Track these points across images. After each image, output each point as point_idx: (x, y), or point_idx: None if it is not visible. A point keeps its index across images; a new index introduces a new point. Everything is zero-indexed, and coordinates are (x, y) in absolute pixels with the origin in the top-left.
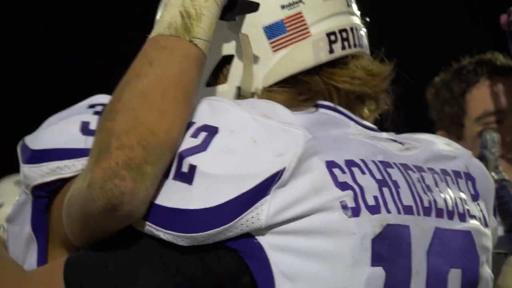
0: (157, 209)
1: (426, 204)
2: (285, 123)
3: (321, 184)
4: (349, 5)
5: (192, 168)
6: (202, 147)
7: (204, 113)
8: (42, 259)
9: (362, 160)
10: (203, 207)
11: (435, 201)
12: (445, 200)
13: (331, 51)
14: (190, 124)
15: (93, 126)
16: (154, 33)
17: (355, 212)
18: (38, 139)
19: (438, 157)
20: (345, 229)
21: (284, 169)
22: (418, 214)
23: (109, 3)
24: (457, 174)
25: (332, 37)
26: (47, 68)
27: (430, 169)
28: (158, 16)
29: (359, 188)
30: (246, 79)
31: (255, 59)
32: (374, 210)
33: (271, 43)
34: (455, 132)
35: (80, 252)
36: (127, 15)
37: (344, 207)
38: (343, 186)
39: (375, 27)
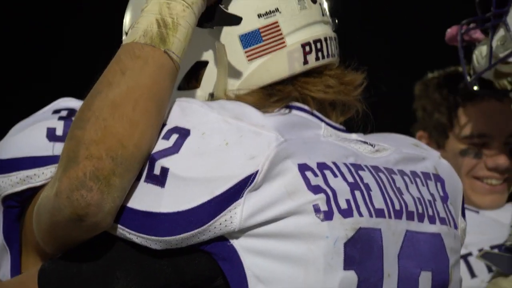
0: (129, 212)
1: (397, 207)
2: (256, 125)
3: (293, 187)
4: (323, 14)
5: (164, 170)
6: (174, 150)
7: (175, 115)
8: (16, 268)
9: (334, 163)
10: (175, 210)
11: (405, 203)
12: (415, 203)
13: (306, 62)
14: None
15: (59, 131)
16: (128, 39)
17: (328, 216)
18: (5, 148)
19: (407, 159)
20: (317, 232)
21: (257, 172)
22: (390, 217)
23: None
24: (426, 175)
25: (307, 48)
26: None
27: (400, 171)
28: (127, 20)
29: (331, 191)
30: (219, 86)
31: (230, 67)
32: (346, 213)
33: (246, 52)
34: (437, 139)
35: (53, 260)
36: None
37: (317, 210)
38: (315, 189)
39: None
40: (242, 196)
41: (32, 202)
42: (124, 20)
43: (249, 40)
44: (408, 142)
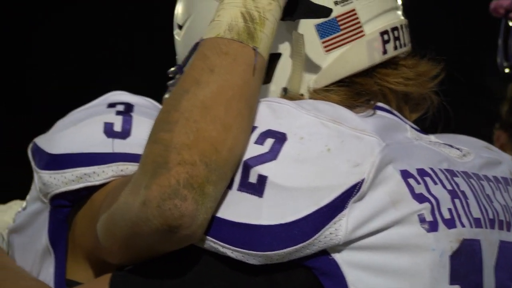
0: (222, 224)
1: (490, 215)
2: (356, 129)
3: (398, 195)
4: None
5: (262, 178)
6: (271, 156)
7: (266, 117)
8: (60, 273)
9: (432, 169)
10: (278, 222)
11: (496, 211)
12: (503, 210)
13: (385, 51)
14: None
15: (117, 127)
16: (211, 33)
17: (433, 227)
18: (56, 143)
19: (488, 163)
20: (423, 244)
21: (362, 180)
22: (486, 227)
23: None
24: (505, 180)
25: (385, 37)
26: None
27: (485, 177)
28: (179, 11)
29: (434, 200)
30: (294, 80)
31: (306, 59)
32: (450, 224)
33: (323, 42)
34: None
35: (126, 272)
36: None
37: (422, 220)
38: (419, 198)
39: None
40: (346, 207)
41: (88, 202)
42: (175, 11)
43: (326, 29)
44: (480, 145)
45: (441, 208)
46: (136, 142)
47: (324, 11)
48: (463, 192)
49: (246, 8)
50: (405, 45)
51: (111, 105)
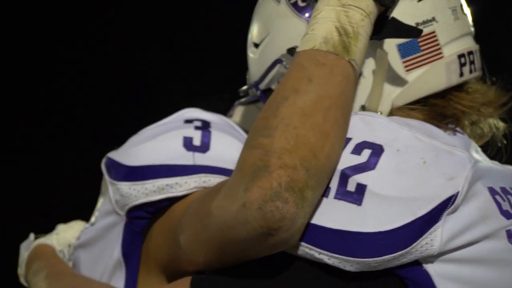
0: (318, 230)
1: None
2: (448, 144)
3: (487, 211)
4: (471, 26)
5: (361, 187)
6: (369, 166)
7: (360, 129)
8: (132, 286)
9: (508, 188)
10: (377, 230)
11: None
12: None
13: (461, 74)
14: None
15: (196, 141)
16: (306, 46)
17: None
18: (135, 155)
19: None
20: (510, 259)
21: (457, 193)
22: None
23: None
24: None
25: (462, 60)
26: None
27: None
28: (255, 30)
29: None
30: (374, 98)
31: (387, 78)
32: None
33: (404, 62)
34: None
35: (210, 275)
36: None
37: (510, 236)
38: (506, 214)
39: None
40: (441, 219)
41: (167, 214)
42: (251, 30)
43: (407, 49)
44: None
45: None
46: (216, 156)
47: (415, 32)
48: None
49: (340, 22)
50: (478, 69)
51: (188, 121)
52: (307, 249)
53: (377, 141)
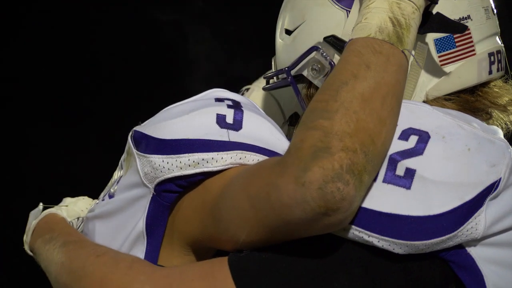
0: (368, 213)
1: None
2: (487, 132)
3: None
4: (498, 26)
5: (410, 172)
6: (417, 151)
7: (405, 116)
8: (152, 258)
9: None
10: (426, 214)
11: None
12: None
13: (490, 71)
14: None
15: (229, 119)
16: (361, 33)
17: None
18: (168, 129)
19: None
20: None
21: (499, 180)
22: None
23: None
24: None
25: (492, 58)
26: None
27: None
28: (286, 18)
29: None
30: (409, 89)
31: (423, 70)
32: None
33: (439, 56)
34: None
35: (249, 252)
36: None
37: None
38: None
39: None
40: (484, 204)
41: (200, 189)
42: (282, 17)
43: (443, 44)
44: None
45: None
46: (249, 134)
47: (460, 27)
48: None
49: (393, 13)
50: (503, 69)
51: (219, 99)
52: (356, 232)
53: (423, 128)
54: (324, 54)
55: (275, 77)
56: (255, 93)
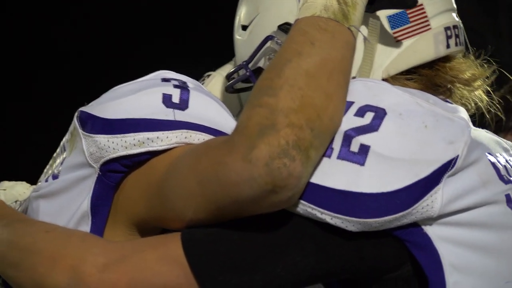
0: (321, 190)
1: None
2: (447, 110)
3: (487, 176)
4: (454, 3)
5: (365, 148)
6: (372, 128)
7: (363, 93)
8: None
9: (502, 156)
10: (380, 191)
11: None
12: None
13: (448, 46)
14: (347, 103)
15: (175, 99)
16: (306, 13)
17: None
18: (113, 109)
19: None
20: (510, 222)
21: (457, 157)
22: None
23: None
24: None
25: (448, 32)
26: None
27: None
28: (243, 13)
29: None
30: (365, 69)
31: (378, 48)
32: None
33: (394, 33)
34: None
35: (202, 228)
36: None
37: (509, 200)
38: (504, 179)
39: None
40: (441, 181)
41: (145, 168)
42: (238, 14)
43: (397, 21)
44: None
45: None
46: (195, 114)
47: (409, 2)
48: None
49: None
50: (462, 43)
51: (166, 79)
52: (309, 209)
53: (380, 105)
54: (279, 42)
55: (235, 74)
56: (216, 79)
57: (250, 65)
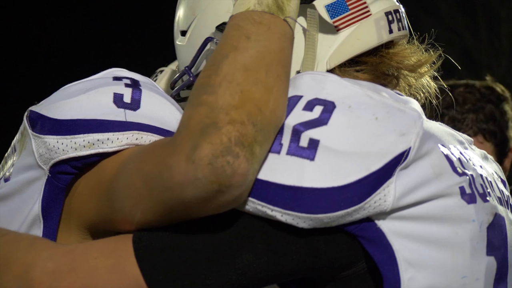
0: (272, 187)
1: (505, 197)
2: (398, 102)
3: (440, 168)
4: None
5: (314, 142)
6: (321, 121)
7: (311, 86)
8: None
9: (456, 147)
10: (330, 185)
11: (502, 193)
12: (501, 193)
13: (391, 31)
14: (295, 97)
15: (127, 98)
16: (240, 9)
17: (472, 199)
18: (63, 109)
19: (483, 155)
20: (464, 215)
21: (409, 149)
22: (506, 206)
23: None
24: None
25: (390, 17)
26: None
27: (486, 166)
28: (181, 16)
29: (470, 174)
30: (308, 61)
31: (319, 39)
32: (484, 198)
33: (334, 22)
34: (502, 150)
35: (153, 230)
36: None
37: (463, 193)
38: (458, 171)
39: None
40: (394, 174)
41: (95, 170)
42: (176, 21)
43: (335, 9)
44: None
45: (475, 182)
46: (147, 114)
47: None
48: (481, 172)
49: None
50: (405, 27)
51: (117, 78)
52: (259, 206)
53: (329, 98)
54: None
55: (179, 80)
56: (169, 75)
57: (192, 70)
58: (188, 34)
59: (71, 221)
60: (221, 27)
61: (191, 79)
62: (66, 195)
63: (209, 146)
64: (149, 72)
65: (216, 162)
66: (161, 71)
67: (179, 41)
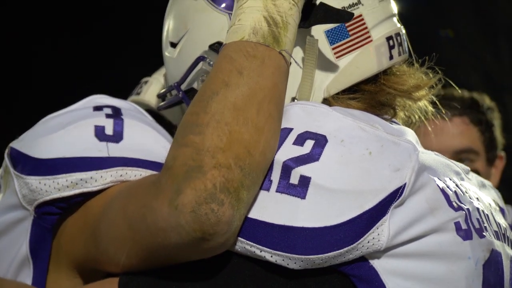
0: (261, 226)
1: (502, 230)
2: (392, 134)
3: (435, 202)
4: (395, 7)
5: (305, 180)
6: (312, 157)
7: (302, 118)
8: (40, 283)
9: (452, 180)
10: (322, 225)
11: (499, 226)
12: (498, 226)
13: (391, 57)
14: (285, 130)
15: (109, 131)
16: (234, 37)
17: (468, 235)
18: (43, 147)
19: (481, 184)
20: (459, 252)
21: (404, 185)
22: (503, 240)
23: None
24: (495, 203)
25: (391, 42)
26: None
27: (484, 195)
28: (171, 27)
29: (466, 209)
30: (305, 88)
31: (317, 66)
32: (480, 233)
33: (333, 48)
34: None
35: (139, 274)
36: None
37: (458, 228)
38: (454, 206)
39: None
40: (387, 212)
41: (81, 209)
42: (165, 29)
43: (336, 35)
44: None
45: (472, 217)
46: (130, 146)
47: (345, 15)
48: (478, 206)
49: (268, 12)
50: (406, 51)
51: (98, 108)
52: (247, 246)
53: (320, 131)
54: (211, 63)
55: (168, 94)
56: (153, 87)
57: (182, 87)
58: (178, 48)
59: (61, 261)
60: (214, 46)
61: (180, 95)
62: (54, 235)
63: (193, 192)
64: (149, 72)
65: (199, 210)
66: (146, 82)
67: (168, 52)
